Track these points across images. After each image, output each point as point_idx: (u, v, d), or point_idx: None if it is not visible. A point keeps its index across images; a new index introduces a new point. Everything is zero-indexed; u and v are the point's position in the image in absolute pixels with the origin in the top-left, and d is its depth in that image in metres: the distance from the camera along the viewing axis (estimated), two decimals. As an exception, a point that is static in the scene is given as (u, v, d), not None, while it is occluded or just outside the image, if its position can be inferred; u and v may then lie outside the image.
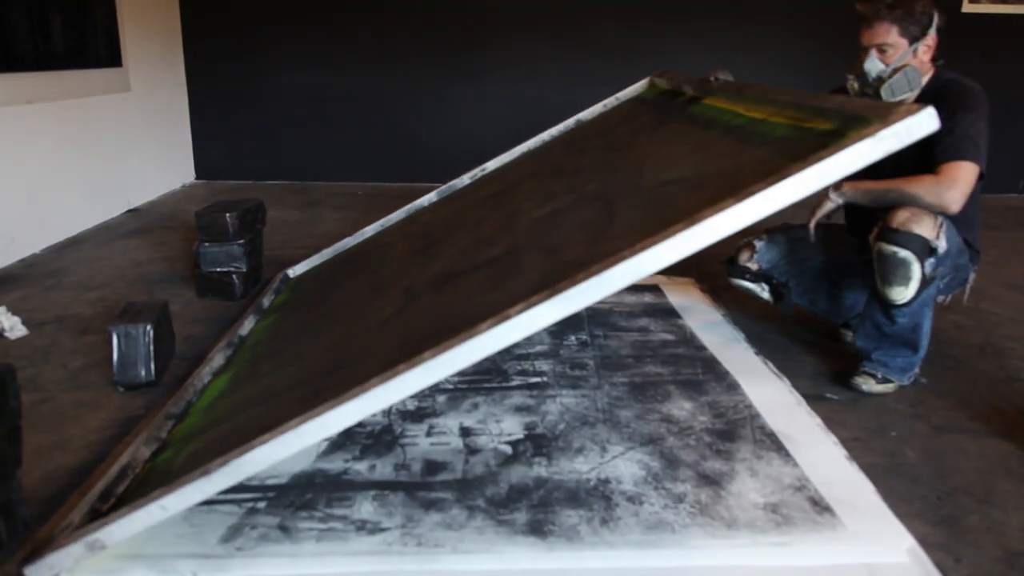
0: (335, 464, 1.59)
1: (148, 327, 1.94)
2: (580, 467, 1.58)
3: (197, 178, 5.08)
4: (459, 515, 1.42)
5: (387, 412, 1.81)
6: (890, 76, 1.92)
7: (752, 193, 1.12)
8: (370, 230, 2.78)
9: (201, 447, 1.43)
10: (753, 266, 2.24)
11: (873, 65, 1.94)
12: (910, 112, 1.10)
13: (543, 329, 2.35)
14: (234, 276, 2.65)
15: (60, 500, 1.47)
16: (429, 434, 1.72)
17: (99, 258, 3.18)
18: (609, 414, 1.82)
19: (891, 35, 1.92)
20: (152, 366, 1.95)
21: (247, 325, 2.22)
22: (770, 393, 1.95)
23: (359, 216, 3.90)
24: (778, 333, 2.41)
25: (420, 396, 1.89)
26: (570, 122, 2.82)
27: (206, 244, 2.63)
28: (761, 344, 2.28)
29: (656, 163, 1.75)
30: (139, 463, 1.53)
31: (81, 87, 3.67)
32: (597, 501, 1.46)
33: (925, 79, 1.97)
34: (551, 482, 1.53)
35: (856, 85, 1.99)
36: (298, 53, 4.92)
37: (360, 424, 1.75)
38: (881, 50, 1.94)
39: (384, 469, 1.57)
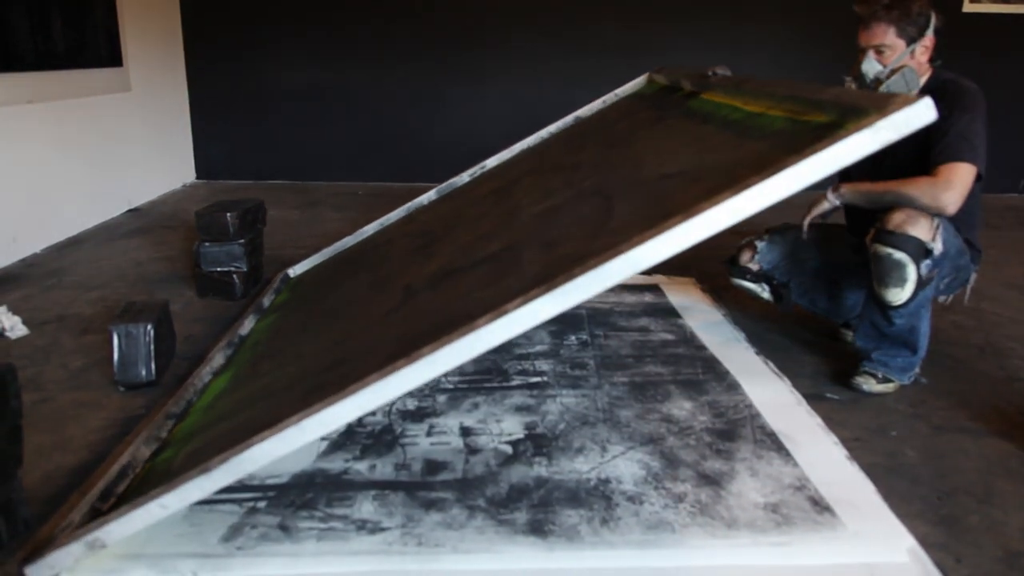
0: (335, 464, 1.59)
1: (149, 327, 1.94)
2: (580, 467, 1.59)
3: (197, 178, 5.08)
4: (459, 515, 1.42)
5: (387, 412, 1.82)
6: (888, 77, 1.92)
7: (749, 185, 1.12)
8: (370, 229, 2.78)
9: (201, 446, 1.43)
10: (754, 266, 2.25)
11: (871, 66, 1.95)
12: (907, 103, 1.10)
13: (542, 324, 2.35)
14: (234, 276, 2.65)
15: (60, 500, 1.47)
16: (429, 434, 1.72)
17: (100, 258, 3.18)
18: (609, 414, 1.82)
19: (888, 36, 1.92)
20: (153, 366, 1.95)
21: (247, 325, 2.22)
22: (770, 393, 1.95)
23: (359, 216, 3.90)
24: (778, 333, 2.41)
25: (420, 396, 1.90)
26: (569, 119, 2.82)
27: (206, 244, 2.63)
28: (761, 344, 2.28)
29: (654, 158, 1.75)
30: (139, 463, 1.53)
31: (81, 87, 3.67)
32: (597, 501, 1.46)
33: (923, 80, 1.97)
34: (551, 482, 1.53)
35: (854, 87, 1.99)
36: (298, 53, 4.92)
37: (360, 424, 1.75)
38: (879, 51, 1.94)
39: (384, 469, 1.57)
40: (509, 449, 1.66)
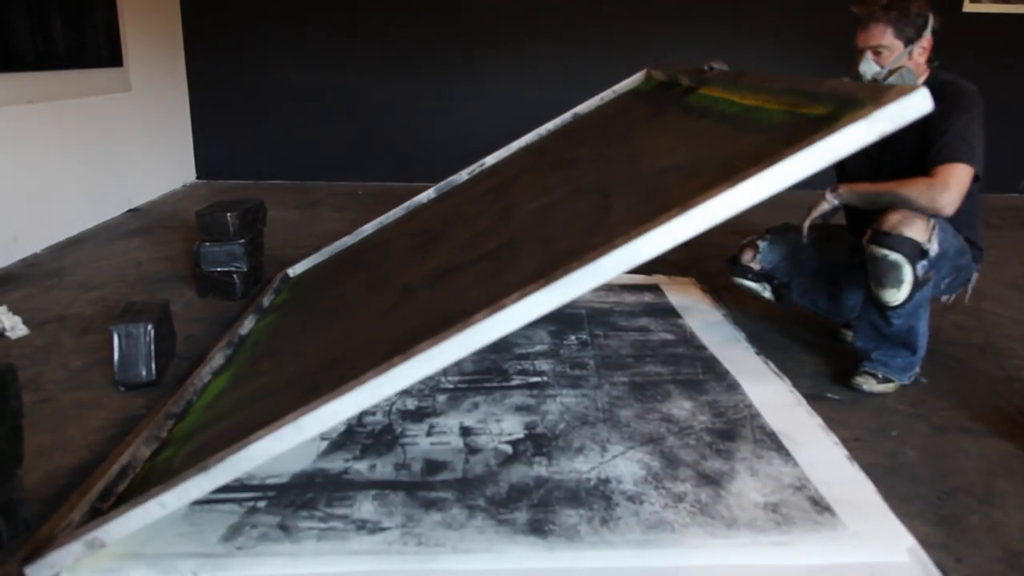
0: (335, 464, 1.59)
1: (149, 327, 1.94)
2: (580, 467, 1.58)
3: (198, 178, 5.08)
4: (459, 515, 1.42)
5: (387, 412, 1.82)
6: (885, 78, 1.93)
7: (745, 178, 1.11)
8: (369, 228, 2.78)
9: (200, 445, 1.43)
10: (756, 266, 2.25)
11: (868, 67, 1.95)
12: (903, 93, 1.09)
13: (542, 324, 2.37)
14: (235, 276, 2.65)
15: (61, 500, 1.47)
16: (429, 434, 1.72)
17: (100, 258, 3.18)
18: (609, 414, 1.82)
19: (886, 37, 1.92)
20: (153, 366, 1.95)
21: (247, 324, 2.22)
22: (770, 393, 1.95)
23: (359, 216, 3.90)
24: (779, 333, 2.41)
25: (420, 396, 1.90)
26: (567, 116, 2.82)
27: (207, 244, 2.63)
28: (762, 344, 2.28)
29: (652, 153, 1.75)
30: (139, 462, 1.53)
31: (82, 87, 3.67)
32: (597, 501, 1.46)
33: (921, 80, 1.97)
34: (551, 482, 1.53)
35: None
36: (298, 53, 4.92)
37: (360, 424, 1.75)
38: (876, 52, 1.94)
39: (384, 469, 1.57)
40: (509, 449, 1.66)
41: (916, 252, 1.80)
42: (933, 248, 1.81)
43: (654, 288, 2.81)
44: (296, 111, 5.01)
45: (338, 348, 1.59)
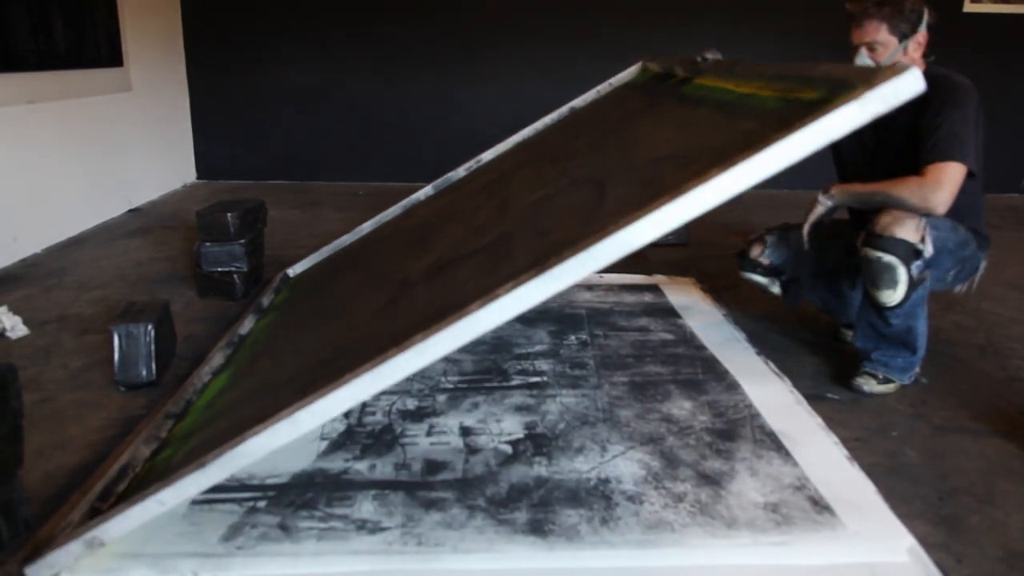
0: (335, 463, 1.59)
1: (149, 327, 1.94)
2: (580, 466, 1.58)
3: (198, 178, 5.08)
4: (459, 514, 1.42)
5: (387, 412, 1.82)
6: None
7: (736, 162, 1.11)
8: (367, 226, 2.78)
9: (199, 443, 1.43)
10: (765, 260, 2.24)
11: (863, 63, 1.94)
12: (895, 73, 1.07)
13: (542, 324, 2.37)
14: (235, 276, 2.65)
15: (61, 500, 1.47)
16: (429, 434, 1.72)
17: (100, 258, 3.18)
18: (609, 414, 1.82)
19: (880, 33, 1.92)
20: (153, 366, 1.96)
21: (247, 324, 2.22)
22: (770, 393, 1.95)
23: (360, 216, 3.88)
24: (779, 333, 2.41)
25: (420, 396, 1.90)
26: (564, 110, 2.82)
27: (207, 244, 2.63)
28: (762, 344, 2.28)
29: (647, 144, 1.74)
30: (139, 462, 1.53)
31: (82, 87, 3.67)
32: (597, 500, 1.46)
33: None
34: (551, 481, 1.53)
35: None
36: (298, 53, 4.92)
37: (360, 424, 1.75)
38: (871, 48, 1.94)
39: (384, 468, 1.57)
40: (509, 449, 1.66)
41: (910, 253, 1.80)
42: (927, 249, 1.81)
43: (654, 288, 2.81)
44: (296, 111, 5.01)
45: (335, 345, 1.59)
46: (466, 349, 2.18)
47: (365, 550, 1.32)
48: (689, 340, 2.31)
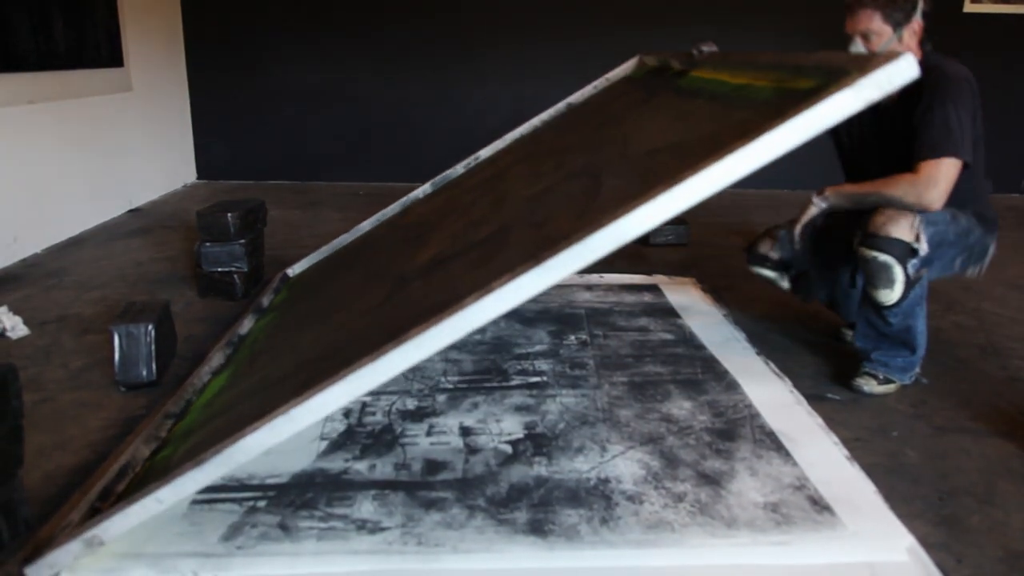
0: (335, 463, 1.59)
1: (149, 327, 1.94)
2: (580, 466, 1.58)
3: (198, 178, 5.09)
4: (459, 514, 1.42)
5: (387, 412, 1.82)
6: None
7: (730, 151, 1.10)
8: (366, 225, 2.78)
9: (198, 441, 1.43)
10: (774, 255, 2.20)
11: (858, 52, 1.94)
12: (889, 59, 1.07)
13: (541, 324, 2.37)
14: (235, 276, 2.65)
15: (61, 500, 1.47)
16: (429, 433, 1.72)
17: (100, 258, 3.18)
18: (609, 413, 1.82)
19: (874, 22, 1.91)
20: (153, 366, 1.96)
21: (247, 324, 2.22)
22: (770, 393, 1.95)
23: (360, 216, 3.87)
24: (779, 333, 2.41)
25: (420, 396, 1.90)
26: (561, 106, 2.82)
27: (207, 244, 2.63)
28: (762, 344, 2.28)
29: (642, 136, 1.74)
30: (139, 462, 1.53)
31: (82, 87, 3.68)
32: (597, 500, 1.46)
33: None
34: (551, 481, 1.53)
35: None
36: (298, 53, 4.92)
37: (360, 424, 1.75)
38: (865, 37, 1.92)
39: (384, 468, 1.57)
40: (509, 449, 1.66)
41: (905, 252, 1.80)
42: (923, 248, 1.81)
43: (654, 288, 2.81)
44: (296, 111, 5.01)
45: (333, 341, 1.60)
46: (466, 349, 2.18)
47: (365, 550, 1.32)
48: (689, 340, 2.31)
